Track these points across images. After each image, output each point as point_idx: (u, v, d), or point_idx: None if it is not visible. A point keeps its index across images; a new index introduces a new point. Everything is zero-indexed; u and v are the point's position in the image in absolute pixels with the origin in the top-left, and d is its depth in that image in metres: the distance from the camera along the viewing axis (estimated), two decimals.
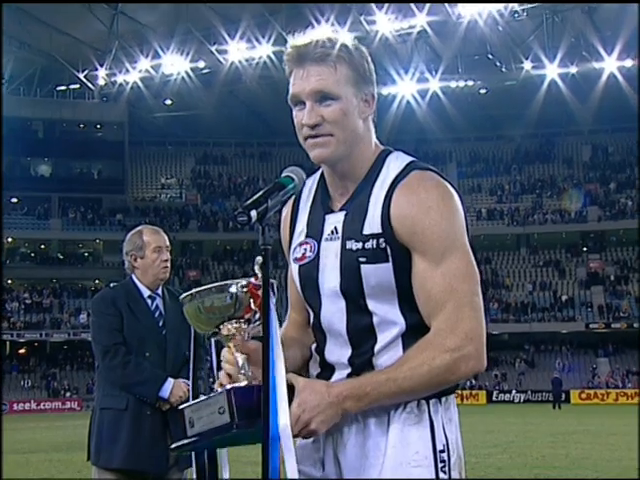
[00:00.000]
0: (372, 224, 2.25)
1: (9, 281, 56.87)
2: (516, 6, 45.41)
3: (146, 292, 4.99)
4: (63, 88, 59.52)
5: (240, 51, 49.59)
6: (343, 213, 2.31)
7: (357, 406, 2.17)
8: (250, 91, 54.97)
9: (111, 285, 5.21)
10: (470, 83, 53.99)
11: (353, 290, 2.26)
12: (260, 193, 2.09)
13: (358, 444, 2.25)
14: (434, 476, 2.21)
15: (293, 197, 2.33)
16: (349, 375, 2.28)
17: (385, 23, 46.22)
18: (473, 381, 49.80)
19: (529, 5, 45.64)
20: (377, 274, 2.23)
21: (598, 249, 58.16)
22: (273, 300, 2.08)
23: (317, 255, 2.32)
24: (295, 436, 2.13)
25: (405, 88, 53.52)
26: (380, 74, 47.96)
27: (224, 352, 2.23)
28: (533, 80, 51.77)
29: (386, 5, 44.94)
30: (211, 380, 2.43)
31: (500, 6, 44.98)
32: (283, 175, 2.19)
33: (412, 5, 44.83)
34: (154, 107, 58.09)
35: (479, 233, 53.67)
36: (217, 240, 61.57)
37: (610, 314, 53.02)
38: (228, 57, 50.40)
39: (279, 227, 2.49)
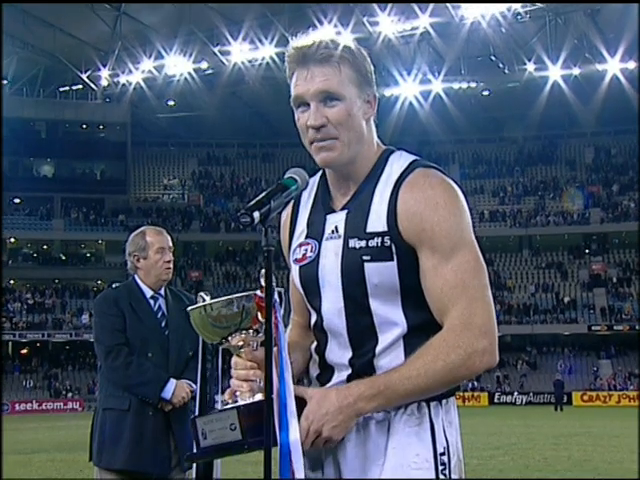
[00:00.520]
0: (376, 222, 2.24)
1: (11, 281, 56.92)
2: (519, 8, 45.38)
3: (149, 293, 4.99)
4: (66, 89, 59.55)
5: (243, 52, 49.59)
6: (345, 212, 2.31)
7: (371, 406, 2.15)
8: (253, 92, 54.98)
9: (114, 286, 5.21)
10: (473, 85, 53.97)
11: (355, 289, 2.25)
12: (263, 194, 2.08)
13: (358, 446, 2.24)
14: (434, 478, 2.21)
15: (293, 199, 2.32)
16: (349, 376, 2.27)
17: (388, 24, 46.20)
18: (475, 383, 49.78)
19: (532, 7, 45.60)
20: (381, 272, 2.22)
21: (600, 251, 58.15)
22: (281, 312, 2.08)
23: (318, 255, 2.32)
24: (314, 448, 2.14)
25: (408, 89, 53.51)
26: (383, 75, 48.03)
27: (235, 359, 2.21)
28: (536, 82, 51.74)
29: (389, 6, 44.91)
30: (214, 382, 2.41)
31: (503, 8, 44.95)
32: (286, 176, 2.18)
33: (415, 6, 44.80)
34: (157, 108, 58.09)
35: (481, 235, 53.58)
36: (219, 241, 61.57)
37: (612, 316, 52.98)
38: (231, 58, 50.41)
39: (279, 229, 2.48)
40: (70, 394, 51.93)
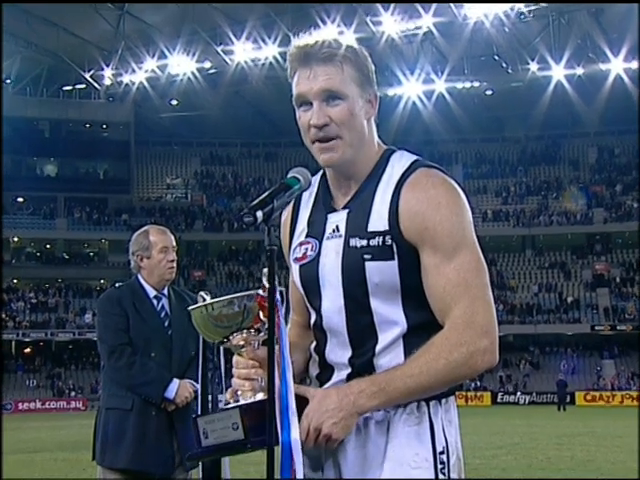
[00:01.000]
0: (378, 221, 2.25)
1: (15, 280, 57.01)
2: (522, 7, 45.36)
3: (152, 292, 4.99)
4: (69, 88, 59.62)
5: (246, 51, 49.62)
6: (346, 211, 2.31)
7: (372, 403, 2.15)
8: (256, 91, 55.00)
9: (117, 285, 5.21)
10: (476, 84, 53.94)
11: (356, 288, 2.25)
12: (266, 194, 2.08)
13: (358, 445, 2.24)
14: (433, 477, 2.21)
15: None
16: (349, 375, 2.27)
17: (391, 24, 46.18)
18: (478, 382, 49.77)
19: (535, 6, 45.57)
20: (382, 271, 2.22)
21: (604, 251, 58.11)
22: (282, 310, 2.08)
23: (318, 254, 2.32)
24: (315, 447, 2.14)
25: (411, 89, 53.49)
26: (386, 75, 48.02)
27: (237, 358, 2.21)
28: (539, 81, 51.70)
29: (392, 6, 44.89)
30: (217, 381, 2.42)
31: (506, 7, 44.92)
32: (289, 176, 2.19)
33: (418, 6, 44.77)
34: (160, 107, 58.13)
35: (484, 234, 53.55)
36: (222, 240, 61.58)
37: (615, 316, 52.94)
38: (234, 57, 50.44)
39: (280, 229, 2.48)
40: (73, 393, 52.00)
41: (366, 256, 2.23)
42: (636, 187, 57.70)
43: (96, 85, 57.66)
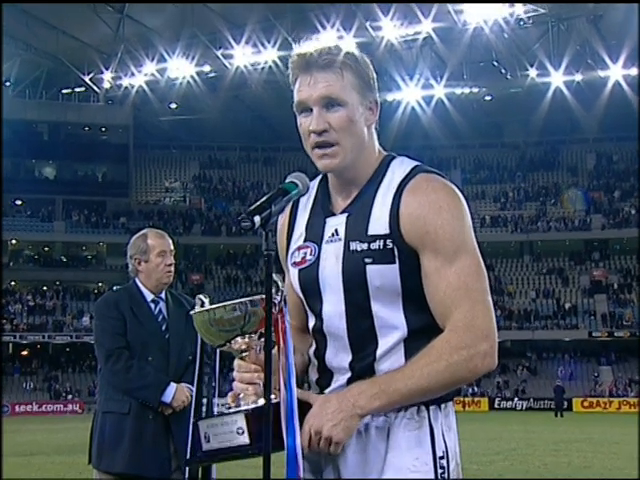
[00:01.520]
0: (378, 225, 2.25)
1: (12, 283, 56.96)
2: (522, 14, 45.42)
3: (149, 296, 4.99)
4: (68, 91, 59.66)
5: (245, 55, 49.66)
6: (345, 215, 2.32)
7: (372, 405, 2.16)
8: (255, 96, 55.06)
9: (114, 288, 5.21)
10: (475, 90, 53.99)
11: (357, 292, 2.26)
12: (264, 198, 2.09)
13: (358, 450, 2.25)
14: None
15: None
16: (349, 380, 2.28)
17: (390, 29, 46.22)
18: (475, 388, 49.75)
19: (534, 13, 45.62)
20: (383, 275, 2.23)
21: (602, 257, 58.15)
22: (288, 315, 2.10)
23: (318, 258, 2.33)
24: (317, 451, 2.15)
25: (410, 94, 53.55)
26: (385, 80, 48.06)
27: (238, 362, 2.21)
28: (538, 87, 51.77)
29: (392, 11, 44.92)
30: (213, 385, 2.41)
31: (506, 13, 44.98)
32: (287, 181, 2.20)
33: (418, 11, 44.80)
34: (159, 111, 58.18)
35: (482, 240, 53.05)
36: (220, 244, 61.57)
37: (613, 322, 52.96)
38: (233, 61, 50.48)
39: (276, 233, 2.49)
40: (70, 396, 51.92)
41: (367, 260, 2.24)
42: (634, 193, 57.78)
43: (95, 88, 57.69)
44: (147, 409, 4.81)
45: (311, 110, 2.25)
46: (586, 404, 47.68)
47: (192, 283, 57.06)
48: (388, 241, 2.23)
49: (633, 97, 49.79)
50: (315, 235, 2.36)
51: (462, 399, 47.50)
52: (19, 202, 60.04)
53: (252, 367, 2.19)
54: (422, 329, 2.24)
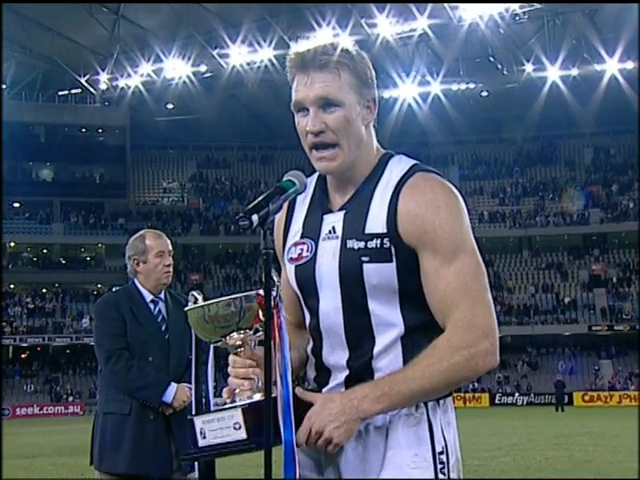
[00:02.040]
0: (375, 224, 2.25)
1: (11, 285, 56.93)
2: (517, 9, 45.40)
3: (149, 296, 4.99)
4: (65, 93, 59.58)
5: (241, 55, 49.63)
6: (342, 213, 2.32)
7: (376, 408, 2.15)
8: (252, 95, 55.01)
9: (114, 289, 5.21)
10: (471, 86, 53.98)
11: (353, 289, 2.26)
12: (261, 197, 2.09)
13: (357, 446, 2.25)
14: (433, 477, 2.22)
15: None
16: (347, 378, 2.28)
17: (386, 26, 46.21)
18: (476, 384, 49.76)
19: (530, 7, 45.61)
20: (379, 273, 2.23)
21: (600, 251, 58.17)
22: (283, 310, 2.10)
23: (315, 255, 2.32)
24: (316, 449, 2.15)
25: (406, 91, 53.54)
26: (381, 77, 47.98)
27: (234, 358, 2.21)
28: (534, 82, 51.75)
29: (387, 8, 44.90)
30: (213, 384, 2.41)
31: (501, 8, 44.97)
32: (284, 179, 2.20)
33: (413, 8, 44.80)
34: (156, 111, 58.10)
35: (481, 236, 53.56)
36: (219, 244, 61.58)
37: (612, 316, 53.00)
38: (229, 61, 50.45)
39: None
40: (71, 398, 51.92)
41: (364, 258, 2.24)
42: (632, 187, 57.83)
43: (91, 89, 57.64)
44: (148, 410, 4.82)
45: (308, 110, 2.25)
46: (587, 398, 47.71)
47: (191, 283, 57.02)
48: (385, 240, 2.23)
49: (629, 90, 49.78)
50: (312, 232, 2.35)
51: (463, 395, 47.54)
52: (17, 204, 59.97)
53: (247, 362, 2.19)
54: (420, 327, 2.24)
